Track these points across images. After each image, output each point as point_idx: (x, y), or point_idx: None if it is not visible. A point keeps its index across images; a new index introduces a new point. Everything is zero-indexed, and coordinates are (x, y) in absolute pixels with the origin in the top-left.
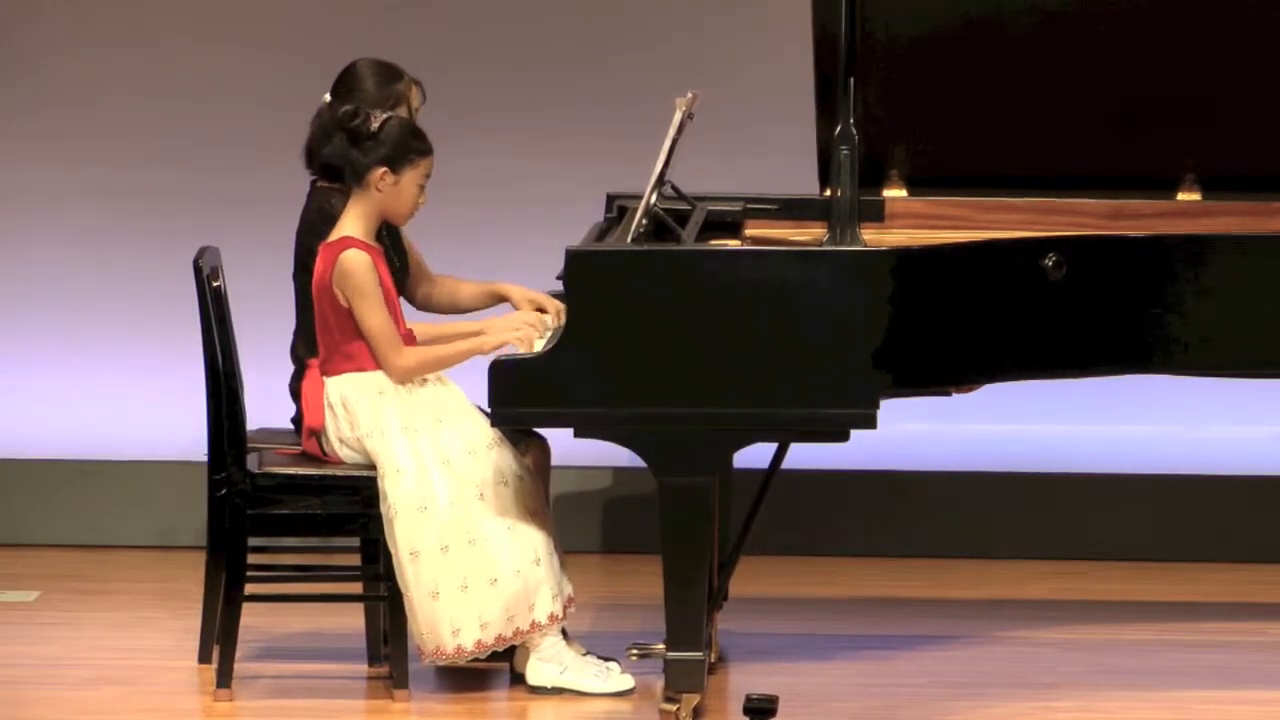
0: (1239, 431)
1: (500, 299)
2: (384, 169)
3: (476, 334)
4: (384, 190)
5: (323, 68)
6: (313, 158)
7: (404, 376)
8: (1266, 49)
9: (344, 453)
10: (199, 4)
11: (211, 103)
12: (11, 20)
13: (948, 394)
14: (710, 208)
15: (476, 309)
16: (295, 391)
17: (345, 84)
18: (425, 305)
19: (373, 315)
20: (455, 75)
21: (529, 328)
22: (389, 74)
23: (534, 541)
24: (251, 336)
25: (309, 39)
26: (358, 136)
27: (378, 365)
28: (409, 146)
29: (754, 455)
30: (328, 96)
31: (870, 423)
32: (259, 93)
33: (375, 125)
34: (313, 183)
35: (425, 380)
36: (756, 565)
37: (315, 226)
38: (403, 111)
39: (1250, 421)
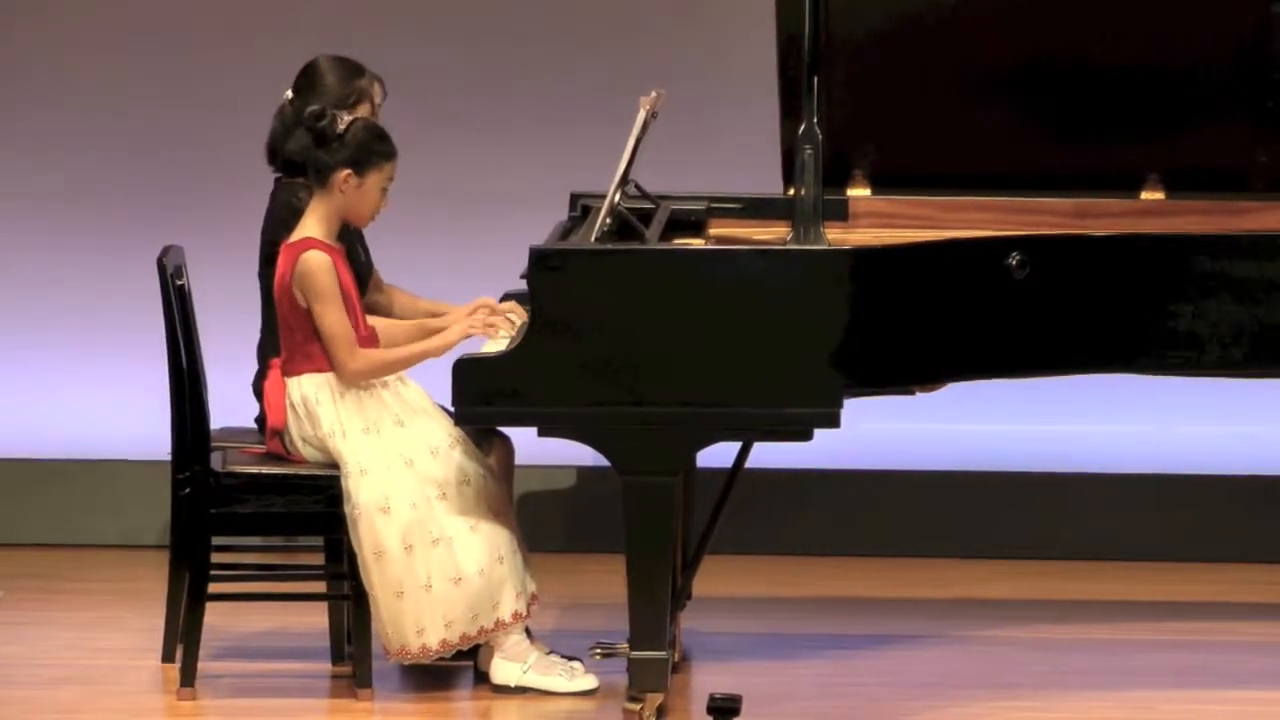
0: (1204, 431)
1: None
2: (348, 171)
3: (438, 332)
4: (347, 192)
5: (283, 65)
6: (275, 154)
7: (354, 379)
8: (1227, 46)
9: (307, 452)
10: (161, 4)
11: (174, 101)
12: None
13: (911, 393)
14: (674, 207)
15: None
16: (259, 390)
17: (307, 80)
18: (370, 312)
19: (329, 316)
20: (417, 74)
21: (474, 326)
22: (351, 70)
23: (497, 540)
24: (216, 335)
25: (270, 37)
26: (323, 137)
27: None
28: (374, 149)
29: (718, 454)
30: (289, 93)
31: (834, 422)
32: (221, 91)
33: (341, 127)
34: (277, 179)
35: (386, 381)
36: (720, 565)
37: (284, 221)
38: (365, 108)
39: (1216, 421)
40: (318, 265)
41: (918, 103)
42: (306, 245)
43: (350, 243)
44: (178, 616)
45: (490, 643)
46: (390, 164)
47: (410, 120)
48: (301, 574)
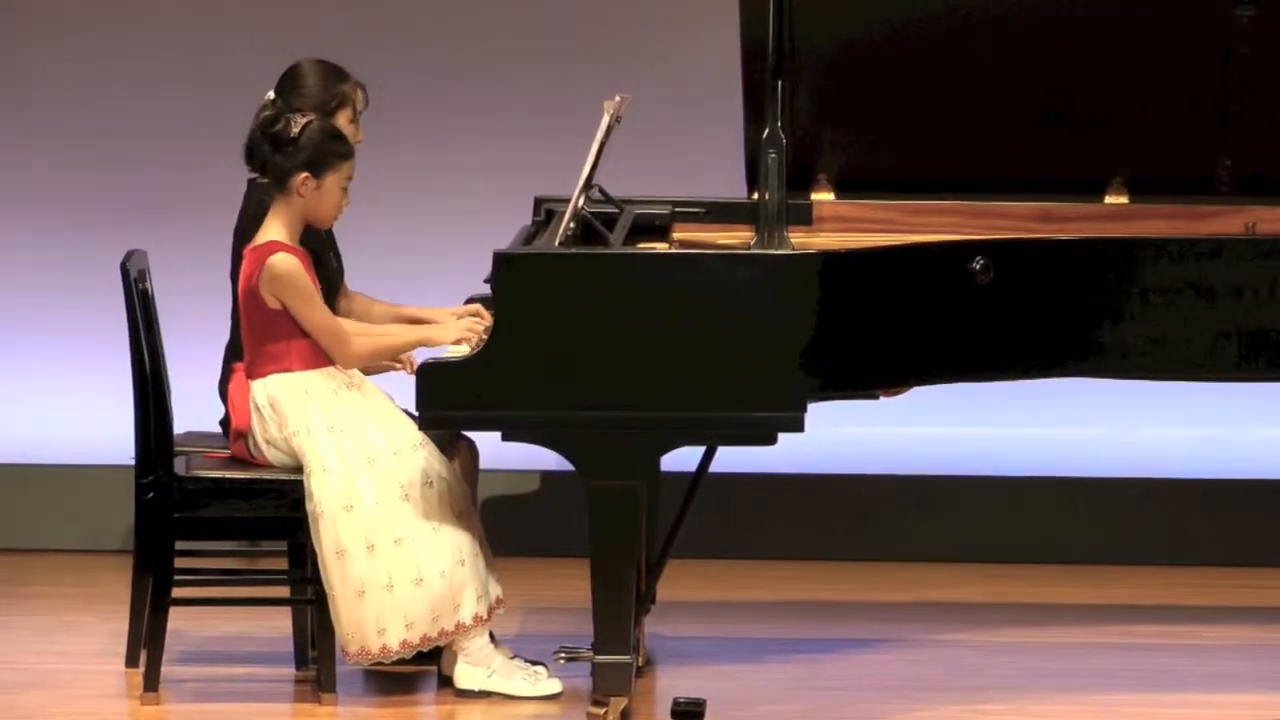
0: (1168, 434)
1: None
2: (305, 174)
3: (417, 342)
4: (306, 195)
5: (251, 67)
6: (253, 155)
7: (355, 362)
8: (1192, 50)
9: (272, 454)
10: (128, 6)
11: (138, 105)
12: None
13: (875, 397)
14: (638, 211)
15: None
16: (225, 393)
17: (289, 83)
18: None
19: (314, 313)
20: (383, 78)
21: (473, 330)
22: (334, 75)
23: (459, 543)
24: (180, 339)
25: (237, 40)
26: (278, 142)
27: (304, 366)
28: (329, 150)
29: (682, 458)
30: (271, 94)
31: (798, 426)
32: (186, 94)
33: (295, 130)
34: (250, 180)
35: (351, 382)
36: (684, 569)
37: (258, 221)
38: (345, 113)
39: (1180, 424)
40: (290, 266)
41: (882, 107)
42: (272, 248)
43: (321, 248)
44: (141, 621)
45: (453, 646)
46: (347, 164)
47: (373, 125)
48: (265, 579)
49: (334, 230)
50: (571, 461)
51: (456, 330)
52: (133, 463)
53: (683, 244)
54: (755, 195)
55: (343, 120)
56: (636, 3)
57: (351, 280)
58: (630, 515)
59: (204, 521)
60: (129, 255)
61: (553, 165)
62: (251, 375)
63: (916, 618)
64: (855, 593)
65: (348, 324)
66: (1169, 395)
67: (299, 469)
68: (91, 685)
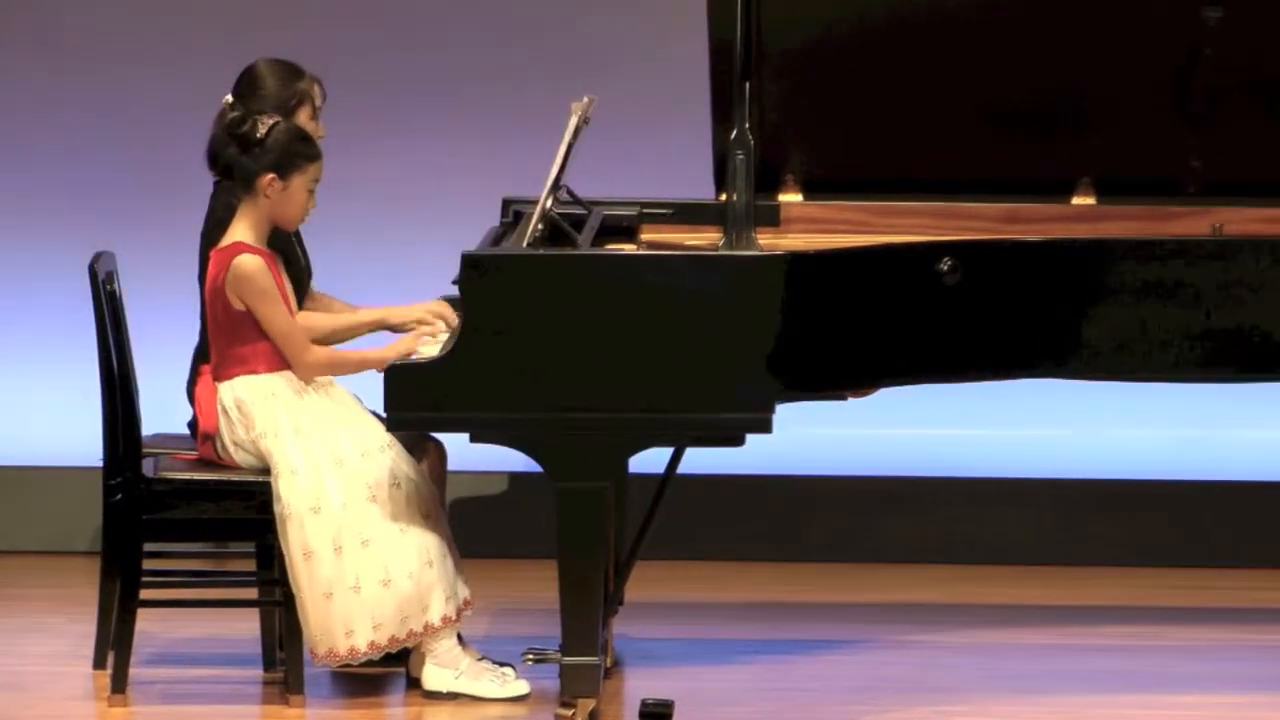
0: (1134, 435)
1: (381, 328)
2: (272, 175)
3: (378, 321)
4: (273, 196)
5: (220, 69)
6: (215, 159)
7: (310, 373)
8: (1159, 52)
9: (239, 456)
10: (95, 6)
11: (107, 107)
12: None
13: (843, 398)
14: (606, 212)
15: (354, 337)
16: (193, 395)
17: (247, 84)
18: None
19: (277, 316)
20: (348, 79)
21: (430, 332)
22: (291, 73)
23: (426, 544)
24: (148, 341)
25: (207, 40)
26: (245, 143)
27: (269, 369)
28: (296, 152)
29: (650, 460)
30: (229, 97)
31: (765, 427)
32: (154, 97)
33: (262, 132)
34: (216, 183)
35: (318, 384)
36: (652, 570)
37: (225, 224)
38: (306, 110)
39: (1146, 425)
40: (255, 268)
41: (849, 107)
42: (238, 249)
43: (289, 246)
44: (109, 623)
45: (421, 648)
46: (314, 165)
47: (339, 126)
48: (233, 580)
49: (301, 231)
50: (539, 463)
51: (421, 312)
52: (101, 464)
53: (650, 245)
54: (723, 196)
55: (303, 117)
56: (605, 5)
57: (318, 281)
58: (598, 516)
59: (172, 523)
60: (97, 257)
61: (520, 166)
62: (218, 377)
63: (884, 619)
64: (823, 594)
65: (315, 318)
66: (1134, 396)
67: (266, 471)
68: (59, 687)
